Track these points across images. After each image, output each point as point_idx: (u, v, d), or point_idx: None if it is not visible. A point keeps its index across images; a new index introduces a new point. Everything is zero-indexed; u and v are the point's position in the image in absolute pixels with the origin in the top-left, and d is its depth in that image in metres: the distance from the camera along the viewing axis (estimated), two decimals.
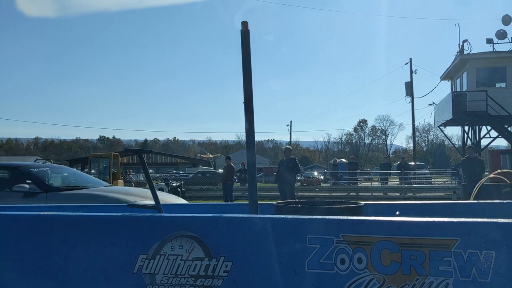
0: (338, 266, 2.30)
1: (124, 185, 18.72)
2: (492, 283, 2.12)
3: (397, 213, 3.07)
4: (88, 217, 2.74)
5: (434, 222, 2.23)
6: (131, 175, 20.69)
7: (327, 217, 2.39)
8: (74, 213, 2.85)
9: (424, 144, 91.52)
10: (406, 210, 3.37)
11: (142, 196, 7.02)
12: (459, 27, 23.87)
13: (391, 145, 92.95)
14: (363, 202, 3.13)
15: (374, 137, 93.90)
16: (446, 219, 2.23)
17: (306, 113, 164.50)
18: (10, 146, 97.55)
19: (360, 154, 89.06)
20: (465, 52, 22.12)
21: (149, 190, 4.07)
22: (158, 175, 56.72)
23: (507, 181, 5.45)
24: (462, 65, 21.36)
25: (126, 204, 3.60)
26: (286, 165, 11.73)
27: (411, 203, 3.67)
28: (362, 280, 2.28)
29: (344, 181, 24.41)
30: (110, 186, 9.08)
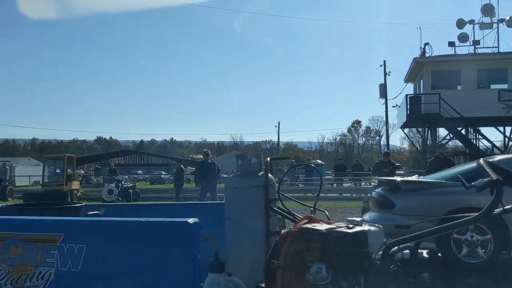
0: None
1: (80, 187, 19.24)
2: (81, 272, 2.49)
3: (95, 212, 3.42)
4: None
5: (44, 220, 2.59)
6: (92, 176, 21.13)
7: None
8: None
9: (418, 145, 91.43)
10: (115, 211, 3.73)
11: None
12: (421, 30, 24.23)
13: (385, 145, 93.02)
14: (84, 203, 3.50)
15: (368, 137, 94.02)
16: (56, 218, 2.59)
17: (299, 113, 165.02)
18: (7, 147, 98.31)
19: (354, 155, 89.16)
20: (427, 55, 22.47)
21: None
22: (147, 176, 57.28)
23: None
24: (419, 68, 21.69)
25: None
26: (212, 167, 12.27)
27: (123, 204, 4.00)
28: None
29: (300, 182, 24.81)
30: None
